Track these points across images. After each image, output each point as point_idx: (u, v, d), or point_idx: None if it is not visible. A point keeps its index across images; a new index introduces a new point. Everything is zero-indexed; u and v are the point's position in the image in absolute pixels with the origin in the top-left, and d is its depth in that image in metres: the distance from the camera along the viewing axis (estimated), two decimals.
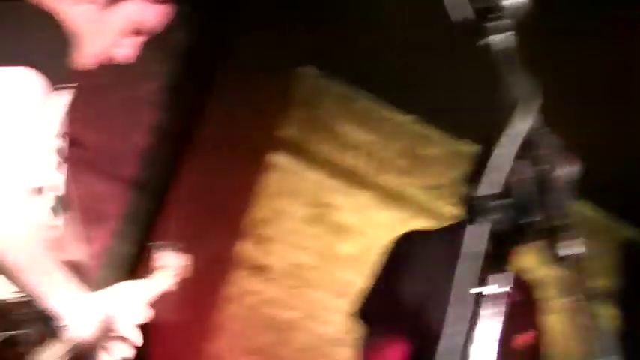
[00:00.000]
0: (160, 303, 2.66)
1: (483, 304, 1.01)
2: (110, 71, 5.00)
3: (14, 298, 1.66)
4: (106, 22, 1.93)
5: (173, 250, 2.67)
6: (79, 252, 2.12)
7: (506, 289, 1.03)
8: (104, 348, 1.83)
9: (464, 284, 0.99)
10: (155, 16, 2.04)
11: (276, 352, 5.42)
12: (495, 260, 1.05)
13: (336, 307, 5.63)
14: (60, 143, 1.77)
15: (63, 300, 1.70)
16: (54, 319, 1.72)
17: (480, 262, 1.01)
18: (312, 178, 5.80)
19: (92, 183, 5.05)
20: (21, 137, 1.53)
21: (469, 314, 1.00)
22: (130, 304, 1.99)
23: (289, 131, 5.74)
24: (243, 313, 5.37)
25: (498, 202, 1.05)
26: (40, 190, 1.76)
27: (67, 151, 1.86)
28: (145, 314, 2.03)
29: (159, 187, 5.18)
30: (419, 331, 2.56)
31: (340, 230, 5.79)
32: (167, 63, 5.46)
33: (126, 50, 2.04)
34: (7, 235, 1.52)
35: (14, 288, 1.66)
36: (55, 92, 1.62)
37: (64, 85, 1.69)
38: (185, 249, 4.53)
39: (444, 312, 0.94)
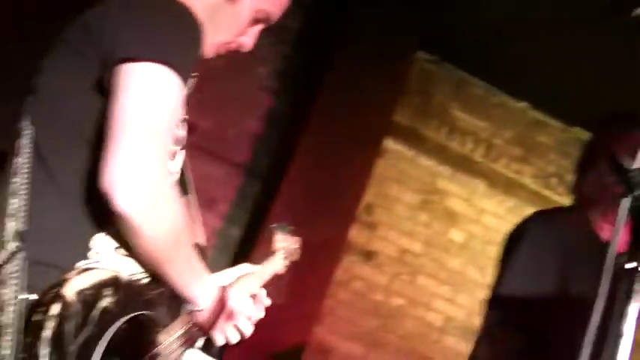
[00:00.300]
0: (269, 286, 2.71)
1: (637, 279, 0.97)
2: (223, 57, 5.14)
3: (144, 278, 1.73)
4: (231, 13, 1.95)
5: (286, 233, 2.66)
6: (200, 235, 2.18)
7: None
8: (221, 329, 1.90)
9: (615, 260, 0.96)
10: (275, 5, 2.05)
11: (382, 339, 5.44)
12: None
13: (444, 294, 5.60)
14: (179, 130, 1.82)
15: (199, 286, 1.78)
16: (189, 303, 1.79)
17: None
18: (424, 165, 5.77)
19: (204, 167, 5.19)
20: (164, 128, 1.59)
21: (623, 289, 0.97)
22: (250, 289, 2.06)
23: (402, 117, 5.71)
24: (349, 299, 5.42)
25: None
26: None
27: (185, 137, 1.91)
28: (263, 302, 2.08)
29: (270, 172, 5.27)
30: (563, 303, 2.48)
31: (450, 217, 5.73)
32: (280, 48, 5.53)
33: (248, 39, 2.05)
34: (163, 222, 1.59)
35: (142, 267, 1.73)
36: (186, 85, 1.67)
37: (191, 74, 1.73)
38: (295, 233, 4.63)
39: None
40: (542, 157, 5.99)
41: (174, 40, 1.67)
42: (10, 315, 1.45)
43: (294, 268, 4.80)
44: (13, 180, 1.65)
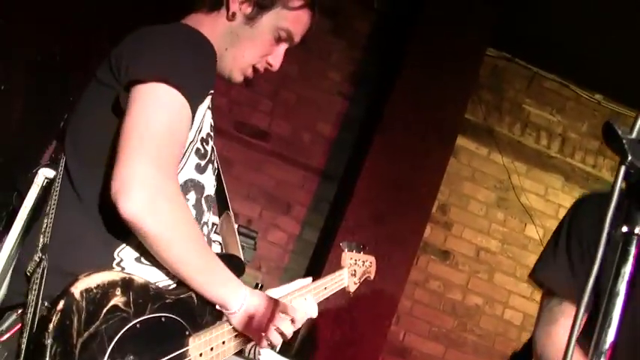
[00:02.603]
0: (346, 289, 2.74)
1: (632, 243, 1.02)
2: (295, 64, 5.24)
3: (167, 284, 1.82)
4: (250, 35, 2.02)
5: (357, 250, 2.68)
6: (236, 248, 2.25)
7: None
8: (264, 336, 1.91)
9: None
10: (297, 23, 2.09)
11: (460, 338, 5.46)
12: None
13: (522, 292, 5.56)
14: (200, 146, 1.90)
15: (225, 289, 1.84)
16: (220, 306, 1.85)
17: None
18: (498, 162, 5.74)
19: (280, 172, 5.31)
20: (165, 139, 1.71)
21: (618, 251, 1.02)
22: (298, 304, 2.10)
23: (475, 115, 5.72)
24: (427, 299, 5.45)
25: None
26: (183, 188, 1.90)
27: (211, 152, 1.99)
28: (308, 314, 2.12)
29: (345, 175, 5.35)
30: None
31: (526, 214, 5.70)
32: (351, 52, 5.60)
33: (275, 59, 2.10)
34: (165, 222, 1.67)
35: (165, 275, 1.82)
36: (196, 100, 1.77)
37: (205, 92, 1.83)
38: (372, 233, 4.69)
39: None
40: None
41: (179, 61, 1.78)
42: (29, 316, 1.57)
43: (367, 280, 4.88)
44: (48, 204, 1.82)
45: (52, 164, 1.91)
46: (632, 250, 1.00)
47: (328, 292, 2.37)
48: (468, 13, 5.25)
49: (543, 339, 2.37)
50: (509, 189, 5.72)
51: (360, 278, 2.68)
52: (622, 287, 0.98)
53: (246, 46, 2.05)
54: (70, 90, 3.24)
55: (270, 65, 2.12)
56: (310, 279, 2.30)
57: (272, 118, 5.39)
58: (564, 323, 2.33)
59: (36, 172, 2.21)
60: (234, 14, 2.01)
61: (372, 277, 2.80)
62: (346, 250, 2.64)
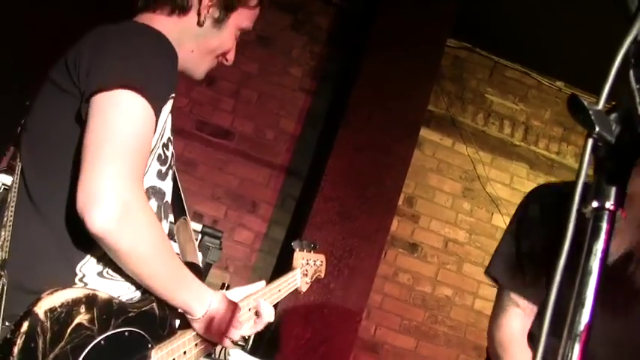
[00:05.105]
0: (314, 284, 2.74)
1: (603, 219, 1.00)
2: (256, 61, 5.20)
3: (130, 297, 1.79)
4: (218, 37, 2.05)
5: (309, 249, 2.69)
6: (195, 254, 2.24)
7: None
8: (225, 336, 1.91)
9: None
10: (252, 19, 2.15)
11: (431, 330, 5.46)
12: (615, 176, 1.03)
13: (491, 281, 5.56)
14: (162, 151, 1.87)
15: (190, 295, 1.81)
16: (185, 312, 1.83)
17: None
18: (463, 151, 5.75)
19: (245, 171, 5.27)
20: (130, 147, 1.64)
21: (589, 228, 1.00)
22: (254, 306, 2.11)
23: (438, 105, 5.72)
24: (397, 292, 5.44)
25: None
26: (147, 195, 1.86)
27: (173, 156, 1.96)
28: (265, 319, 2.13)
29: (310, 171, 5.32)
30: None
31: (493, 203, 5.71)
32: (312, 47, 5.57)
33: (231, 54, 2.14)
34: (137, 236, 1.63)
35: (130, 288, 1.79)
36: (161, 105, 1.74)
37: (167, 96, 1.79)
38: (339, 229, 4.68)
39: None
40: (582, 135, 5.89)
41: (143, 65, 1.73)
42: None
43: (338, 264, 4.86)
44: (4, 214, 1.74)
45: (9, 170, 1.85)
46: (604, 225, 0.98)
47: (282, 294, 2.37)
48: (427, 5, 5.24)
49: (494, 330, 2.42)
50: (474, 179, 5.73)
51: (311, 277, 2.68)
52: (595, 265, 0.95)
53: (214, 47, 2.07)
54: (27, 92, 3.17)
55: (227, 60, 2.15)
56: (264, 282, 2.28)
57: (234, 117, 5.34)
58: (513, 311, 2.37)
59: None
60: (204, 19, 2.01)
61: (322, 275, 2.79)
62: (297, 249, 2.63)
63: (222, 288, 1.99)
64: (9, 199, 1.77)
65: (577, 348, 0.93)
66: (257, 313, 2.11)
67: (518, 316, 2.37)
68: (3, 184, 2.93)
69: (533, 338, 2.36)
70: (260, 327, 2.12)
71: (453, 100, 5.80)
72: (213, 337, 1.89)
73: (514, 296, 2.37)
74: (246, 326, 2.03)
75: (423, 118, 5.32)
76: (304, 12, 5.57)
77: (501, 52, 5.80)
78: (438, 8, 5.24)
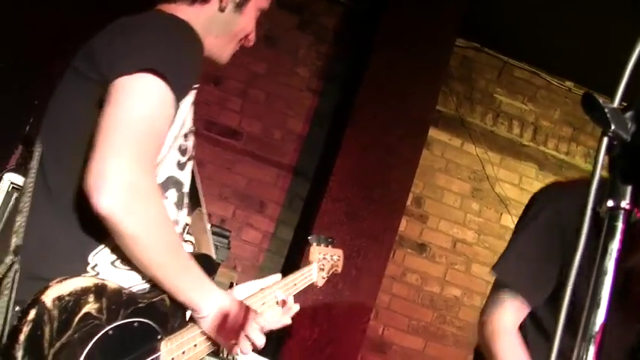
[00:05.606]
0: (323, 284, 2.72)
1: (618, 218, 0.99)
2: (263, 61, 5.19)
3: (141, 288, 1.76)
4: (240, 21, 2.05)
5: (325, 244, 2.66)
6: (209, 247, 2.22)
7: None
8: (235, 343, 1.87)
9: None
10: (269, 1, 2.15)
11: (439, 331, 5.44)
12: (630, 174, 1.02)
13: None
14: (183, 142, 1.85)
15: (198, 292, 1.79)
16: (192, 310, 1.81)
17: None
18: (472, 151, 5.73)
19: (252, 171, 5.27)
20: (144, 132, 1.62)
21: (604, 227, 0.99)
22: (271, 300, 2.10)
23: (447, 105, 5.70)
24: (405, 292, 5.42)
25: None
26: (163, 186, 1.86)
27: (191, 149, 1.95)
28: (282, 320, 2.12)
29: (318, 171, 5.30)
30: None
31: (501, 203, 5.69)
32: (319, 47, 5.56)
33: (252, 36, 2.13)
34: (143, 220, 1.61)
35: (140, 279, 1.77)
36: (183, 93, 1.72)
37: (190, 85, 1.78)
38: (347, 229, 4.66)
39: None
40: (592, 135, 5.90)
41: (167, 51, 1.73)
42: (0, 323, 1.51)
43: (346, 264, 4.85)
44: (22, 200, 1.73)
45: (18, 168, 1.84)
46: (619, 225, 0.96)
47: (298, 288, 2.34)
48: (434, 4, 5.22)
49: (486, 320, 2.41)
50: (483, 179, 5.70)
51: (328, 272, 2.65)
52: (610, 265, 0.94)
53: (237, 31, 2.07)
54: (33, 93, 3.17)
55: (249, 42, 2.15)
56: (280, 275, 2.26)
57: (242, 117, 5.33)
58: (509, 305, 2.34)
59: (0, 177, 2.15)
60: (225, 4, 2.00)
61: (339, 270, 2.76)
62: (314, 244, 2.61)
63: (230, 287, 1.97)
64: (25, 189, 1.76)
65: (592, 350, 0.92)
66: (282, 303, 2.09)
67: (514, 310, 2.35)
68: (11, 183, 2.94)
69: (523, 330, 2.34)
70: (287, 320, 2.12)
71: (461, 100, 5.78)
72: (221, 338, 1.85)
73: (519, 296, 2.33)
74: (271, 319, 2.01)
75: (431, 117, 5.30)
76: (310, 12, 5.56)
77: (510, 51, 5.77)
78: (445, 7, 5.21)
